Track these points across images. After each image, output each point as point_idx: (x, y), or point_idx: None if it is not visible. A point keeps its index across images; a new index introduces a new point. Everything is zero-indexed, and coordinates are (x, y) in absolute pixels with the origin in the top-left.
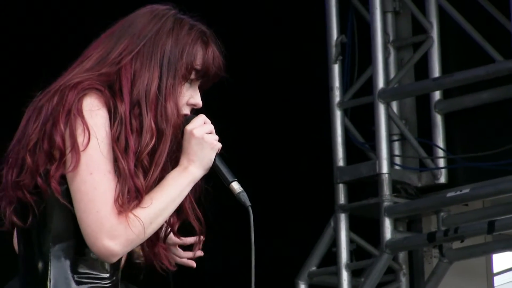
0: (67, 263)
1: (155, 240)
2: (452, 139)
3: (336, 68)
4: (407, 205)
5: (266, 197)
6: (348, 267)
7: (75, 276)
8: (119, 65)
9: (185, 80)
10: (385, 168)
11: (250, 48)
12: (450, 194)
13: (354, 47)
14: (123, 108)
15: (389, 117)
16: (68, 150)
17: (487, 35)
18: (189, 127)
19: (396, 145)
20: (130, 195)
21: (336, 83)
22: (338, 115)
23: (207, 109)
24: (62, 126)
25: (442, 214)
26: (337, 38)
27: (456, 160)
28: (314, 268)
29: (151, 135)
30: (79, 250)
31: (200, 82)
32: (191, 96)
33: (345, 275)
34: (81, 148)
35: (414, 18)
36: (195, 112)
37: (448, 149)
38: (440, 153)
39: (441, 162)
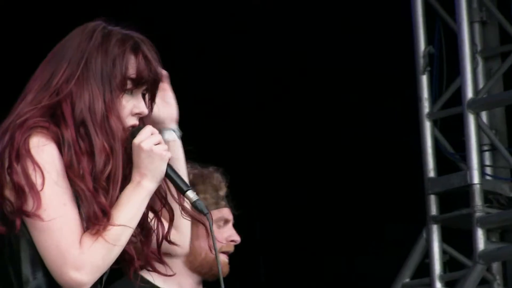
0: None
1: (142, 251)
2: None
3: (424, 79)
4: (499, 216)
5: (358, 209)
6: (441, 278)
7: None
8: (58, 97)
9: (122, 91)
10: (476, 179)
11: (339, 60)
12: None
13: (442, 58)
14: (69, 133)
15: (479, 127)
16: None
17: None
18: (136, 140)
19: (487, 155)
20: (98, 218)
21: (425, 94)
22: (427, 126)
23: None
24: (15, 166)
25: None
26: (425, 49)
27: None
28: (407, 280)
29: (106, 155)
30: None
31: (143, 90)
32: (134, 105)
33: (438, 286)
34: (35, 187)
35: (501, 27)
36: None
37: None
38: None
39: None
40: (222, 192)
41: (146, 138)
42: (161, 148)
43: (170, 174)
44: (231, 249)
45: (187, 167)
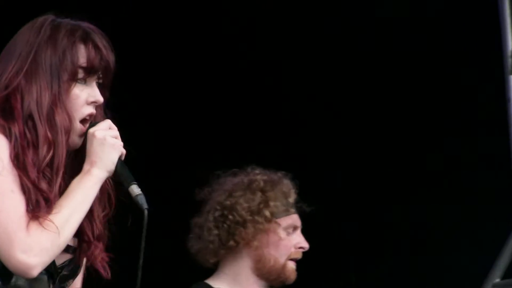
0: None
1: (86, 247)
2: None
3: None
4: None
5: (448, 209)
6: None
7: None
8: (7, 91)
9: (74, 80)
10: None
11: (426, 61)
12: None
13: None
14: (16, 127)
15: None
16: None
17: None
18: (91, 130)
19: None
20: (40, 206)
21: None
22: None
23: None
24: None
25: None
26: None
27: None
28: (498, 280)
29: (48, 145)
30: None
31: (97, 79)
32: (88, 94)
33: None
34: None
35: None
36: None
37: None
38: None
39: None
40: (292, 198)
41: (101, 129)
42: (115, 139)
43: (118, 166)
44: (299, 256)
45: (257, 173)
